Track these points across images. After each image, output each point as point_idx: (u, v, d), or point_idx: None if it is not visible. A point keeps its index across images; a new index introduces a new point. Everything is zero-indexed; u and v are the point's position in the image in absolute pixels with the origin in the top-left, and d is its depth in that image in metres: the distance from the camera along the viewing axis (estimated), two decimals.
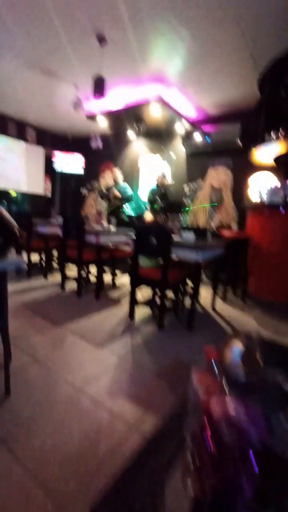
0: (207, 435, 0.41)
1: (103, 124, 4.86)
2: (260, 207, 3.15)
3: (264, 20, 2.46)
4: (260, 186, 4.17)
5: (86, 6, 2.45)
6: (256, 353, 0.96)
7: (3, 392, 1.38)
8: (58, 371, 1.60)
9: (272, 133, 3.07)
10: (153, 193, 4.65)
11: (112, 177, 4.89)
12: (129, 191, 4.80)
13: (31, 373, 1.57)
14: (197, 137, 4.66)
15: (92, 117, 4.73)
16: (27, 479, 0.97)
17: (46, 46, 3.15)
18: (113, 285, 3.51)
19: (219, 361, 0.60)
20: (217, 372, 0.62)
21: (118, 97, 4.25)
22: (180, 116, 4.41)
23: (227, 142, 4.36)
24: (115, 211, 4.76)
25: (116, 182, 4.82)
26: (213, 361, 0.61)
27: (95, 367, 1.67)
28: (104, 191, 4.91)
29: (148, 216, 4.60)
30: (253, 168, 4.15)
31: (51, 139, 6.63)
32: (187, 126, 4.71)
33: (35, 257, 3.83)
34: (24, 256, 3.65)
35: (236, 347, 1.05)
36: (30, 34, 2.92)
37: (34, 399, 1.36)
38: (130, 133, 5.34)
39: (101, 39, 2.92)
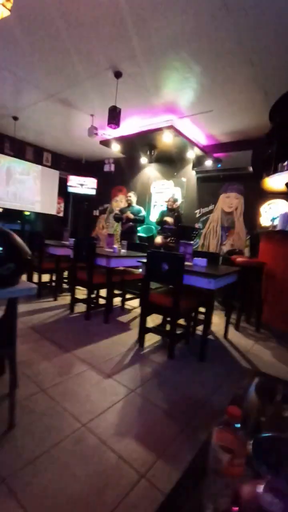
0: None
1: (116, 149, 5.04)
2: (273, 233, 3.11)
3: (275, 53, 2.56)
4: (273, 212, 4.16)
5: (103, 43, 2.62)
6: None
7: (7, 425, 1.31)
8: (64, 403, 1.52)
9: (285, 163, 3.09)
10: (163, 215, 4.68)
11: (126, 200, 4.99)
12: (143, 213, 4.86)
13: (37, 404, 1.50)
14: (209, 164, 4.76)
15: (106, 143, 4.92)
16: None
17: (64, 79, 3.36)
18: (122, 308, 3.46)
19: (244, 421, 0.55)
20: (243, 439, 0.56)
21: (132, 126, 4.43)
22: (191, 143, 4.54)
23: (239, 169, 4.42)
24: (128, 233, 4.80)
25: (130, 205, 4.91)
26: (238, 425, 0.56)
27: (102, 400, 1.59)
28: (118, 212, 4.99)
29: (159, 240, 4.61)
30: (265, 194, 4.16)
31: (66, 163, 6.91)
32: (199, 152, 4.83)
33: (45, 278, 3.85)
34: (35, 276, 3.67)
35: (259, 399, 0.98)
36: (49, 68, 3.13)
37: (38, 435, 1.29)
38: (143, 159, 5.51)
39: (117, 74, 3.10)
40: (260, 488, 0.39)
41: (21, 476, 1.07)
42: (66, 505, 0.98)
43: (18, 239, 1.30)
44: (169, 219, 4.55)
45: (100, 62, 2.92)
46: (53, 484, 1.05)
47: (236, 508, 0.40)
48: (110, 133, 4.56)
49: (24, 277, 1.49)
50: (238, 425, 0.57)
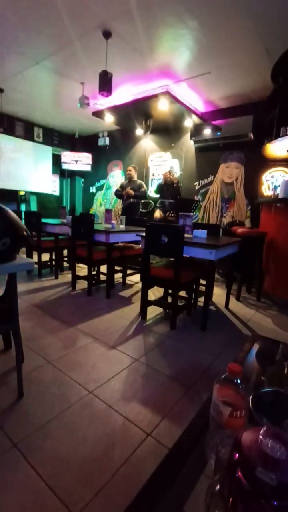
0: (238, 472, 0.36)
1: (109, 120, 4.80)
2: (275, 202, 3.04)
3: (277, 6, 2.34)
4: (274, 180, 4.04)
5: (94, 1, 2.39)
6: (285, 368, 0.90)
7: (17, 395, 1.37)
8: (70, 373, 1.57)
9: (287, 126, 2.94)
10: (160, 188, 4.57)
11: (127, 175, 4.84)
12: (144, 189, 4.75)
13: (44, 375, 1.55)
14: (207, 132, 4.54)
15: (98, 114, 4.68)
16: (42, 487, 0.94)
17: (49, 42, 3.10)
18: (124, 284, 3.48)
19: (245, 379, 0.55)
20: (243, 393, 0.57)
21: (125, 94, 4.18)
22: (189, 110, 4.30)
23: (239, 136, 4.22)
24: (129, 210, 4.72)
25: (131, 180, 4.77)
26: (239, 381, 0.56)
27: (107, 369, 1.64)
28: (119, 189, 4.86)
29: (158, 214, 4.54)
30: (267, 162, 4.02)
31: (59, 138, 6.64)
32: (197, 120, 4.59)
33: (45, 257, 3.85)
34: (35, 256, 3.66)
35: (261, 361, 1.00)
36: (32, 29, 2.87)
37: (47, 402, 1.34)
38: (138, 130, 5.26)
39: (107, 34, 2.85)
40: (261, 434, 0.39)
41: (32, 440, 1.13)
42: (76, 464, 1.04)
43: (13, 214, 1.26)
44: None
45: (88, 19, 2.67)
46: (63, 446, 1.11)
47: (237, 455, 0.40)
48: (102, 102, 4.32)
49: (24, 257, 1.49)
50: (239, 381, 0.58)
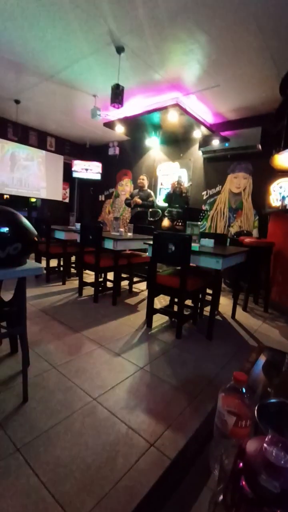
0: (242, 479, 0.36)
1: (120, 130, 4.91)
2: (283, 213, 3.03)
3: (286, 21, 2.39)
4: (283, 191, 4.04)
5: (105, 15, 2.49)
6: None
7: (21, 399, 1.37)
8: (75, 379, 1.57)
9: None
10: (168, 197, 4.62)
11: (139, 183, 4.91)
12: (152, 198, 4.80)
13: (48, 380, 1.56)
14: (216, 143, 4.60)
15: (109, 125, 4.80)
16: (44, 493, 0.94)
17: (64, 57, 3.23)
18: (130, 291, 3.49)
19: (251, 389, 0.55)
20: (248, 403, 0.57)
21: (136, 105, 4.29)
22: (198, 122, 4.38)
23: (247, 147, 4.26)
24: (136, 219, 4.77)
25: (141, 188, 4.83)
26: (244, 390, 0.56)
27: (112, 376, 1.64)
28: (129, 197, 4.93)
29: (166, 223, 4.56)
30: (275, 172, 4.02)
31: (70, 147, 6.81)
32: (205, 131, 4.66)
33: (53, 263, 3.90)
34: (43, 261, 3.71)
35: (267, 371, 0.99)
36: (48, 44, 3.01)
37: (51, 408, 1.34)
38: (148, 141, 5.36)
39: (120, 49, 2.96)
40: (265, 443, 0.39)
41: (35, 445, 1.13)
42: (78, 472, 1.03)
43: (24, 220, 1.30)
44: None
45: (101, 35, 2.78)
46: (66, 453, 1.10)
47: (241, 463, 0.40)
48: (113, 114, 4.44)
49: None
50: (244, 390, 0.57)
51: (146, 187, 4.85)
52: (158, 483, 0.58)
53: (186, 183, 5.19)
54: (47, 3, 2.39)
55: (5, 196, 5.84)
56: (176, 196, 4.57)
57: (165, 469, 0.61)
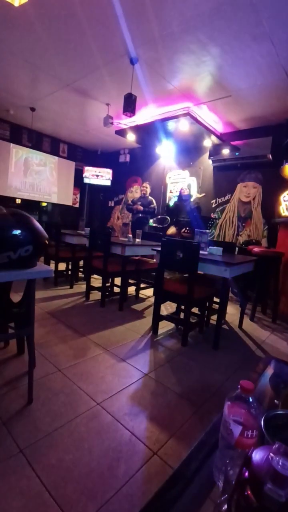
0: (247, 488, 0.36)
1: (131, 138, 5.00)
2: None
3: None
4: None
5: (120, 28, 2.57)
6: None
7: (26, 400, 1.38)
8: (79, 383, 1.58)
9: None
10: (175, 205, 4.65)
11: (142, 191, 5.01)
12: (154, 205, 4.87)
13: (53, 382, 1.56)
14: (226, 152, 4.62)
15: (121, 133, 4.89)
16: (45, 496, 0.94)
17: (80, 67, 3.34)
18: (137, 297, 3.49)
19: (258, 398, 0.55)
20: (255, 413, 0.56)
21: (147, 114, 4.37)
22: (208, 131, 4.42)
23: (257, 157, 4.26)
24: (137, 224, 4.82)
25: (144, 195, 4.92)
26: (251, 399, 0.56)
27: (116, 382, 1.63)
28: (131, 203, 5.02)
29: (171, 230, 4.57)
30: (285, 182, 4.00)
31: (82, 154, 6.96)
32: (216, 140, 4.69)
33: (62, 266, 3.95)
34: (51, 265, 3.76)
35: (274, 383, 0.97)
36: (65, 55, 3.12)
37: (55, 410, 1.35)
38: (158, 148, 5.43)
39: (133, 60, 3.04)
40: (271, 452, 0.39)
41: (38, 447, 1.13)
42: (80, 476, 1.02)
43: (36, 223, 1.33)
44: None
45: (116, 47, 2.87)
46: (68, 456, 1.10)
47: (247, 472, 0.40)
48: (125, 122, 4.53)
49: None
50: (251, 399, 0.57)
51: (148, 194, 4.97)
52: (159, 493, 0.58)
53: (194, 190, 5.22)
54: (66, 16, 2.49)
55: (17, 200, 5.98)
56: (181, 203, 4.60)
57: (167, 478, 0.61)
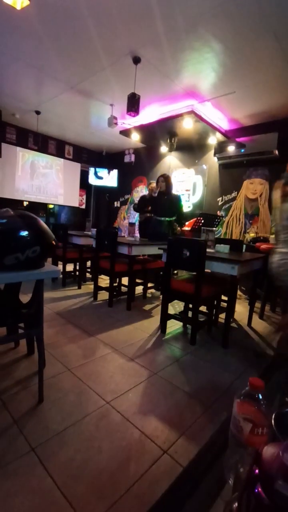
0: (258, 486, 0.35)
1: (136, 138, 5.00)
2: None
3: None
4: None
5: (123, 27, 2.58)
6: None
7: (37, 399, 1.40)
8: (89, 382, 1.59)
9: None
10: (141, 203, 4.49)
11: (149, 190, 4.97)
12: None
13: (63, 382, 1.58)
14: (231, 149, 4.57)
15: (126, 133, 4.90)
16: (58, 495, 0.95)
17: (83, 69, 3.35)
18: (144, 297, 3.49)
19: (268, 398, 0.54)
20: (265, 410, 0.55)
21: (151, 113, 4.36)
22: (213, 128, 4.38)
23: (264, 153, 4.20)
24: (145, 223, 4.79)
25: (151, 195, 4.88)
26: (260, 396, 0.55)
27: (125, 381, 1.64)
28: (136, 202, 5.00)
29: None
30: None
31: (87, 155, 7.00)
32: (221, 138, 4.65)
33: (69, 267, 3.98)
34: (59, 266, 3.80)
35: (285, 381, 0.96)
36: (68, 58, 3.13)
37: (65, 409, 1.36)
38: (163, 148, 5.42)
39: (136, 59, 3.04)
40: (282, 448, 0.38)
41: (49, 446, 1.14)
42: (90, 475, 1.03)
43: (43, 224, 1.35)
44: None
45: (119, 47, 2.88)
46: (79, 455, 1.11)
47: (258, 469, 0.39)
48: (129, 122, 4.53)
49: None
50: (260, 396, 0.56)
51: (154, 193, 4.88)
52: (169, 492, 0.58)
53: (199, 189, 5.17)
54: (70, 17, 2.50)
55: (24, 203, 6.06)
56: (159, 197, 3.82)
57: (177, 477, 0.61)
